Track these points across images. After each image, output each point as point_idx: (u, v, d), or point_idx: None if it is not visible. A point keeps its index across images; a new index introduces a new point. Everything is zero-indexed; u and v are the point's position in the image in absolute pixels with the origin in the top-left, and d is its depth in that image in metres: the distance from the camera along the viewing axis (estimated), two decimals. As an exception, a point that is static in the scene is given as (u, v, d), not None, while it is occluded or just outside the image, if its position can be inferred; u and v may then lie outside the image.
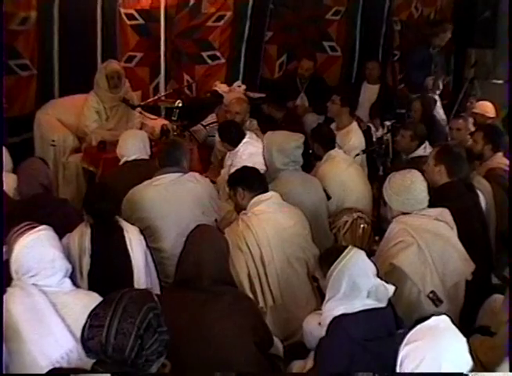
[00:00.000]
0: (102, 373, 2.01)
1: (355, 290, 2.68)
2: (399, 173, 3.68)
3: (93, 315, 2.05)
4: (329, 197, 4.56)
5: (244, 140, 5.01)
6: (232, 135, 5.04)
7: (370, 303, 2.69)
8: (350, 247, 2.81)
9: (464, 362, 2.28)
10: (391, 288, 2.79)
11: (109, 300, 2.06)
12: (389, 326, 2.65)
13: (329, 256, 2.78)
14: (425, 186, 3.60)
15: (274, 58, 7.79)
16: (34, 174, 3.79)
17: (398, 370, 2.31)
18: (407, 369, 2.26)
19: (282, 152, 4.37)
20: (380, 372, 2.48)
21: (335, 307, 2.70)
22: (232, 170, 4.34)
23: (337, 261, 2.71)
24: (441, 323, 2.32)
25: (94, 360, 2.07)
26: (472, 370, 2.33)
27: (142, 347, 2.00)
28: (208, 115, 6.27)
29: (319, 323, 2.88)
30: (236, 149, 4.98)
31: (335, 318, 2.67)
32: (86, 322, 2.05)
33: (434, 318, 2.34)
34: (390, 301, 2.78)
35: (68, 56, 5.87)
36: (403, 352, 2.29)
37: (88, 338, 2.02)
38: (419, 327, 2.32)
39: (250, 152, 4.89)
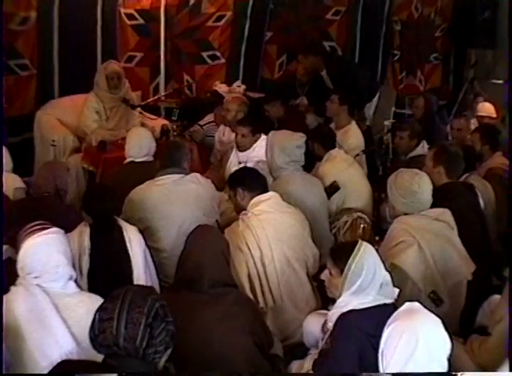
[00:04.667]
0: (114, 366, 2.03)
1: (372, 281, 2.69)
2: (407, 174, 3.66)
3: (101, 310, 2.10)
4: (337, 188, 4.56)
5: (262, 137, 5.00)
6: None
7: (380, 298, 2.71)
8: (360, 241, 2.82)
9: (441, 338, 2.40)
10: (396, 289, 2.82)
11: (116, 294, 2.12)
12: None
13: (343, 251, 2.77)
14: (431, 189, 3.61)
15: (274, 58, 7.79)
16: (55, 174, 3.84)
17: (380, 353, 2.45)
18: (389, 348, 2.41)
19: (283, 151, 4.37)
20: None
21: (345, 303, 2.71)
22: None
23: (354, 253, 2.71)
24: (414, 306, 2.49)
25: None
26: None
27: (151, 335, 2.05)
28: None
29: (324, 324, 2.89)
30: (255, 145, 4.97)
31: (343, 314, 2.69)
32: (94, 318, 2.09)
33: (407, 303, 2.51)
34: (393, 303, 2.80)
35: (68, 56, 5.88)
36: (384, 336, 2.45)
37: (99, 331, 2.06)
38: (395, 312, 2.49)
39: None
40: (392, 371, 2.38)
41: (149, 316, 2.06)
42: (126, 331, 2.03)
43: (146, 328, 2.04)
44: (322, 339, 2.90)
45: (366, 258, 2.72)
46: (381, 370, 2.44)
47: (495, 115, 6.45)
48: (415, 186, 3.56)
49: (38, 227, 2.72)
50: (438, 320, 2.43)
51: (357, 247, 2.74)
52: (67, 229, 3.08)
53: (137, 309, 2.06)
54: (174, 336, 2.13)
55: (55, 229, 2.76)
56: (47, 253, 2.68)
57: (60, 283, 2.70)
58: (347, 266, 2.70)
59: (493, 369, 2.78)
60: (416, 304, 2.50)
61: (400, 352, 2.36)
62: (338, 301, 2.77)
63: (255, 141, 4.97)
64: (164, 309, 2.12)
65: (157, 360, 2.09)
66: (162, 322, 2.09)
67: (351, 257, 2.70)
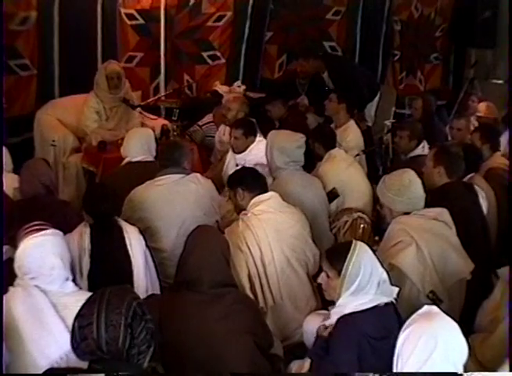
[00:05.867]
0: (100, 370, 2.03)
1: (369, 280, 2.71)
2: (394, 175, 3.71)
3: (79, 317, 2.09)
4: (337, 195, 4.57)
5: (257, 139, 5.02)
6: (250, 130, 5.02)
7: (378, 298, 2.72)
8: (353, 240, 2.83)
9: (459, 343, 2.38)
10: (394, 288, 2.83)
11: (92, 300, 2.12)
12: (393, 324, 2.68)
13: (339, 253, 2.78)
14: (421, 183, 3.63)
15: (274, 58, 7.80)
16: (35, 174, 3.78)
17: (396, 355, 2.42)
18: (407, 350, 2.37)
19: (283, 151, 4.37)
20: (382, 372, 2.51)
21: (346, 304, 2.72)
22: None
23: (350, 254, 2.72)
24: (433, 310, 2.47)
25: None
26: (469, 370, 2.37)
27: (132, 336, 2.05)
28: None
29: (324, 325, 2.89)
30: (250, 147, 4.98)
31: (343, 317, 2.70)
32: (73, 326, 2.08)
33: (426, 306, 2.49)
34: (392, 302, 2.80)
35: (68, 56, 5.88)
36: (401, 338, 2.41)
37: (81, 339, 2.05)
38: (414, 315, 2.46)
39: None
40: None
41: (127, 317, 2.05)
42: (107, 335, 2.02)
43: (126, 329, 2.04)
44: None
45: (363, 257, 2.73)
46: (395, 370, 2.44)
47: (494, 115, 6.45)
48: (406, 181, 3.59)
49: (36, 228, 2.72)
50: (457, 325, 2.42)
51: (352, 247, 2.75)
52: (65, 224, 3.08)
53: (115, 311, 2.05)
54: (154, 334, 2.13)
55: (52, 230, 2.75)
56: (42, 255, 2.68)
57: (56, 286, 2.69)
58: (344, 267, 2.71)
59: (493, 367, 2.78)
60: (435, 308, 2.49)
61: (418, 353, 2.34)
62: (338, 303, 2.77)
63: (249, 143, 4.98)
64: (141, 307, 2.12)
65: (142, 361, 2.09)
66: (141, 321, 2.09)
67: (348, 257, 2.71)
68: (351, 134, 5.62)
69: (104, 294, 2.10)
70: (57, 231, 2.78)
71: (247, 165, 4.73)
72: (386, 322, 2.66)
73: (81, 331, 2.05)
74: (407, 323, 2.45)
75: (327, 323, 2.82)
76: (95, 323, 2.03)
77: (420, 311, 2.47)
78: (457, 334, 2.39)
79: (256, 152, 4.94)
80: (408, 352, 2.37)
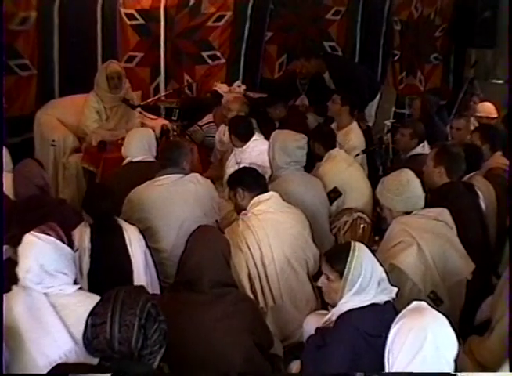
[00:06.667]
0: (109, 368, 2.03)
1: (370, 279, 2.71)
2: (392, 175, 3.72)
3: (93, 314, 2.09)
4: (339, 194, 4.58)
5: (254, 138, 5.02)
6: (243, 130, 5.04)
7: (378, 296, 2.73)
8: (351, 241, 2.84)
9: (448, 337, 2.38)
10: (394, 288, 2.83)
11: (106, 298, 2.11)
12: (390, 322, 2.67)
13: (339, 255, 2.79)
14: (419, 183, 3.64)
15: (274, 58, 7.81)
16: (28, 176, 3.76)
17: (387, 350, 2.43)
18: (397, 345, 2.38)
19: (284, 151, 4.37)
20: (379, 370, 2.51)
21: (346, 303, 2.73)
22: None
23: (350, 255, 2.72)
24: (422, 305, 2.49)
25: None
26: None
27: (145, 336, 2.05)
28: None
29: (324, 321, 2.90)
30: (246, 146, 4.98)
31: (343, 314, 2.70)
32: (86, 323, 2.08)
33: (415, 302, 2.50)
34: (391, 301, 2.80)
35: (68, 56, 5.88)
36: (392, 333, 2.42)
37: (93, 337, 2.05)
38: (403, 311, 2.48)
39: (259, 149, 4.88)
40: (398, 368, 2.37)
41: (141, 318, 2.06)
42: (120, 335, 2.02)
43: (139, 330, 2.04)
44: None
45: (363, 257, 2.74)
46: (387, 367, 2.44)
47: (494, 115, 6.46)
48: (404, 180, 3.60)
49: (38, 228, 2.71)
50: (446, 320, 2.43)
51: (351, 248, 2.75)
52: (63, 222, 3.06)
53: (129, 311, 2.05)
54: (166, 335, 2.12)
55: (48, 237, 2.69)
56: (23, 254, 2.66)
57: (38, 287, 2.64)
58: (346, 269, 2.71)
59: (493, 368, 2.78)
60: (424, 303, 2.51)
61: (407, 348, 2.35)
62: (340, 303, 2.77)
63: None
64: (155, 308, 2.12)
65: (153, 361, 2.09)
66: (155, 322, 2.09)
67: (349, 258, 2.72)
68: (353, 137, 5.60)
69: (119, 294, 2.10)
70: (53, 240, 2.70)
71: (242, 164, 4.74)
72: (383, 319, 2.66)
73: (93, 329, 2.05)
74: (397, 318, 2.46)
75: (328, 320, 2.83)
76: (108, 323, 2.03)
77: (409, 306, 2.49)
78: (446, 327, 2.40)
79: (250, 150, 4.94)
80: (398, 346, 2.38)
